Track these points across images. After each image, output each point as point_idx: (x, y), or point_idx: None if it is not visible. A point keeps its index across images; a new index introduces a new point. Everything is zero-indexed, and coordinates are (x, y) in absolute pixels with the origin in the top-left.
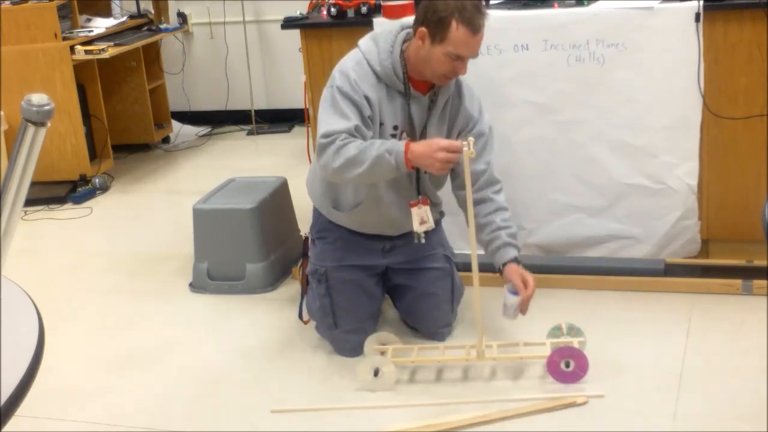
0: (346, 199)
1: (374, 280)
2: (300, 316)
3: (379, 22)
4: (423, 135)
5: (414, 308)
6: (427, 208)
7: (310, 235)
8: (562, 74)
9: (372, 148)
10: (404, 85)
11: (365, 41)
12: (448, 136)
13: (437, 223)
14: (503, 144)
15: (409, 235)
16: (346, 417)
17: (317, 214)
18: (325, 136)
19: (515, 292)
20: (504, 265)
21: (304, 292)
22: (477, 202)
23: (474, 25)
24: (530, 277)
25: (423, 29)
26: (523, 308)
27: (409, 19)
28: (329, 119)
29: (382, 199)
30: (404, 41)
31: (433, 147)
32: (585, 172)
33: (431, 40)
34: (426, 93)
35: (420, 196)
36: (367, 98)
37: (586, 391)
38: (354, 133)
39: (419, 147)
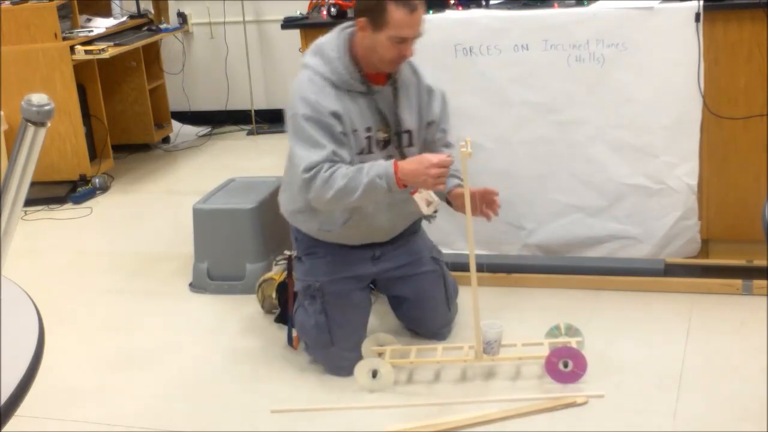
0: (335, 218)
1: (365, 292)
2: (289, 341)
3: None
4: (399, 124)
5: (412, 314)
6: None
7: (294, 254)
8: (562, 74)
9: (361, 175)
10: (363, 83)
11: (310, 57)
12: (420, 115)
13: (419, 227)
14: (503, 144)
15: (399, 238)
16: (346, 417)
17: (302, 235)
18: (307, 170)
19: (493, 327)
20: (448, 193)
21: (289, 313)
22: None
23: (410, 5)
24: (473, 189)
25: (362, 20)
26: (493, 208)
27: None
28: (305, 152)
29: (370, 208)
30: (349, 41)
31: (424, 164)
32: (585, 172)
33: (372, 29)
34: (386, 83)
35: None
36: (334, 114)
37: (586, 391)
38: (333, 159)
39: (409, 165)
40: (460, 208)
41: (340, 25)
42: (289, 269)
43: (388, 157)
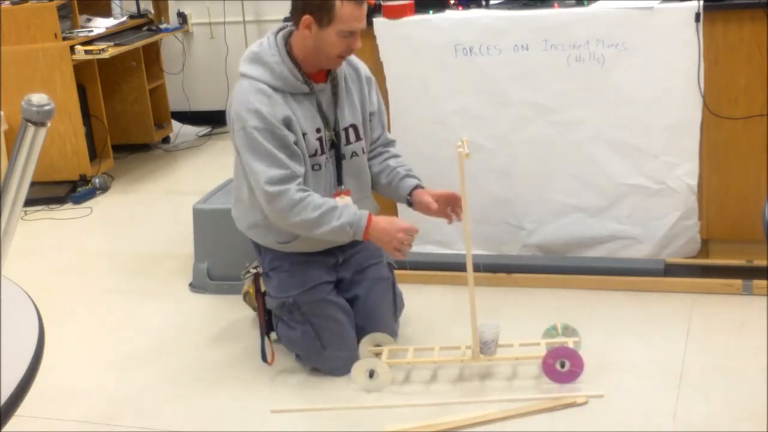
0: (289, 232)
1: (336, 293)
2: (263, 358)
3: (379, 22)
4: (337, 123)
5: (362, 319)
6: (349, 198)
7: (259, 270)
8: (562, 74)
9: (332, 215)
10: (306, 84)
11: (249, 67)
12: (363, 107)
13: None
14: (503, 144)
15: (356, 245)
16: (346, 417)
17: (263, 249)
18: (271, 184)
19: (490, 328)
20: (410, 195)
21: (263, 332)
22: (373, 157)
23: None
24: (437, 191)
25: (307, 17)
26: (457, 212)
27: (278, 24)
28: (262, 167)
29: None
30: (285, 43)
31: (395, 226)
32: (585, 172)
33: (318, 26)
34: (326, 81)
35: (342, 187)
36: (285, 120)
37: (585, 391)
38: (296, 177)
39: (381, 223)
40: (421, 208)
41: (271, 30)
42: (257, 286)
43: (334, 158)
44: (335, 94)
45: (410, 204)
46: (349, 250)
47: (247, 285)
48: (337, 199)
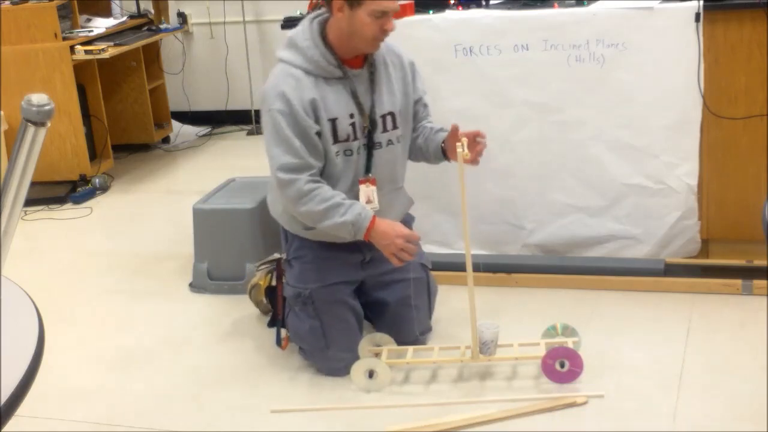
0: None
1: (354, 296)
2: (278, 342)
3: None
4: (373, 110)
5: (392, 321)
6: (374, 188)
7: (284, 256)
8: (562, 74)
9: (337, 212)
10: (339, 68)
11: (284, 52)
12: (405, 94)
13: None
14: (503, 144)
15: None
16: (346, 417)
17: (290, 234)
18: (283, 171)
19: (490, 328)
20: (443, 143)
21: (279, 317)
22: (415, 131)
23: None
24: (470, 132)
25: (338, 1)
26: (475, 155)
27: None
28: (279, 151)
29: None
30: (321, 29)
31: (396, 231)
32: (585, 172)
33: (350, 7)
34: (363, 66)
35: (370, 175)
36: (311, 103)
37: (585, 391)
38: (310, 168)
39: (383, 226)
40: (453, 154)
41: (309, 16)
42: (279, 273)
43: (366, 147)
44: (373, 81)
45: (444, 154)
46: (376, 249)
47: (257, 278)
48: (362, 186)
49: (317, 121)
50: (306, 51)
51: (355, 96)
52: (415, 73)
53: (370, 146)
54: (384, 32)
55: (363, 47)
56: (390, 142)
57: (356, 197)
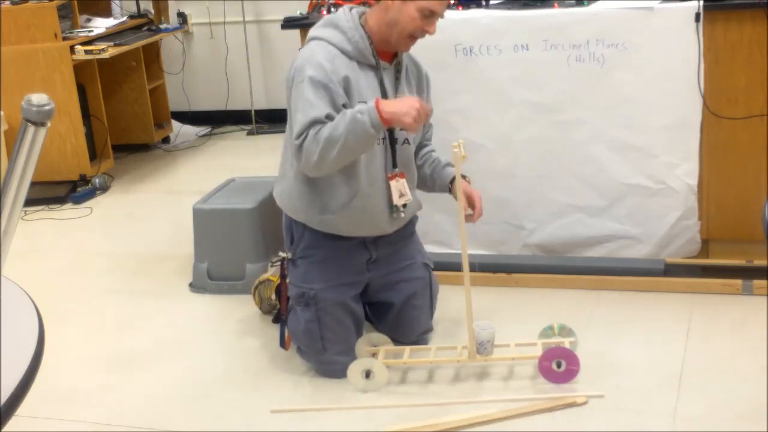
0: (339, 195)
1: (357, 298)
2: (282, 344)
3: None
4: None
5: (396, 322)
6: (404, 181)
7: (289, 256)
8: (562, 74)
9: (343, 118)
10: (374, 57)
11: (321, 30)
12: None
13: (413, 230)
14: (503, 144)
15: (395, 240)
16: (346, 417)
17: (301, 229)
18: (297, 135)
19: (486, 328)
20: (451, 182)
21: (283, 317)
22: (417, 149)
23: None
24: (475, 193)
25: None
26: (475, 217)
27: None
28: (301, 116)
29: (366, 190)
30: (360, 17)
31: (407, 102)
32: (585, 172)
33: None
34: (391, 63)
35: (396, 169)
36: (345, 79)
37: (585, 391)
38: (324, 121)
39: (390, 101)
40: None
41: (347, 6)
42: (282, 272)
43: (389, 140)
44: (398, 78)
45: (451, 192)
46: (383, 247)
47: (270, 273)
48: (392, 182)
49: (348, 97)
50: (347, 31)
51: (382, 85)
52: (429, 86)
53: (393, 141)
54: (423, 33)
55: (397, 41)
56: (406, 141)
57: (380, 192)
